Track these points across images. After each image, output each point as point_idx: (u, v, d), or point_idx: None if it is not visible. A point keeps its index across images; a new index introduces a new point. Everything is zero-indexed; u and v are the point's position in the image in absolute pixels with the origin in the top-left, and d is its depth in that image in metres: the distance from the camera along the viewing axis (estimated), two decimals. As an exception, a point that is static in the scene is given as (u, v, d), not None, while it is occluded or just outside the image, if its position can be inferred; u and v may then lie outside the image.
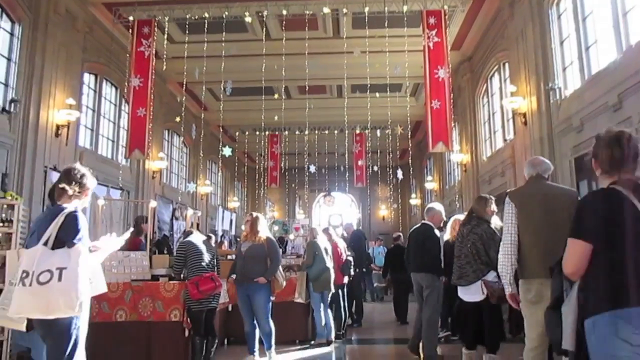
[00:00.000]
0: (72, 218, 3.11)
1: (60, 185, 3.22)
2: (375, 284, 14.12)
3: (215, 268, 5.87)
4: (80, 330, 3.10)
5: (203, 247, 5.80)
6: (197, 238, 5.95)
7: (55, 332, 3.02)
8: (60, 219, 3.07)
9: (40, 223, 3.26)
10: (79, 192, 3.27)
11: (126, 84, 12.66)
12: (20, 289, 2.91)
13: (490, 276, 4.91)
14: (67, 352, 3.02)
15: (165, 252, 9.04)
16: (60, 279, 2.92)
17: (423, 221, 6.79)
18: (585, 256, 2.22)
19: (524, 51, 11.64)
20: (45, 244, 3.03)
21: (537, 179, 4.03)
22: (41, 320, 3.00)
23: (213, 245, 6.82)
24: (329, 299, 7.57)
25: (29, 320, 3.11)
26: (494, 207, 5.28)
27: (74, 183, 3.25)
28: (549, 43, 10.87)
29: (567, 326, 2.33)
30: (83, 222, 3.16)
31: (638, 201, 2.18)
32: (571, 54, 10.29)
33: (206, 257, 5.74)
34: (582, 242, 2.24)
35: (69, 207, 3.19)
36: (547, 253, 3.34)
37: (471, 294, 5.12)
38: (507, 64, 13.55)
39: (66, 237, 3.06)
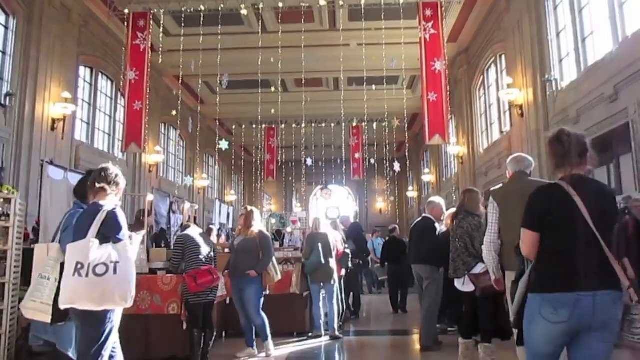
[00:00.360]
0: (113, 215, 3.31)
1: (99, 185, 3.42)
2: (380, 278, 14.04)
3: (213, 261, 5.88)
4: (115, 322, 3.28)
5: (201, 240, 5.81)
6: (194, 231, 5.95)
7: (92, 322, 3.17)
8: (102, 215, 3.27)
9: (77, 219, 3.47)
10: (114, 191, 3.49)
11: (122, 77, 12.61)
12: (76, 279, 3.06)
13: (478, 268, 4.99)
14: (100, 342, 3.16)
15: (163, 245, 9.05)
16: (115, 272, 3.12)
17: (424, 214, 6.87)
18: (533, 243, 2.60)
19: (521, 43, 11.64)
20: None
21: (520, 175, 4.27)
22: (80, 311, 3.13)
23: (215, 238, 6.82)
24: (334, 291, 7.44)
25: (60, 313, 3.28)
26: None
27: (112, 183, 3.47)
28: (545, 35, 10.87)
29: (517, 296, 2.75)
30: (123, 219, 3.37)
31: (578, 195, 2.47)
32: (567, 45, 10.30)
33: (204, 250, 5.74)
34: (529, 231, 2.62)
35: (106, 204, 3.38)
36: None
37: (459, 284, 5.32)
38: (503, 56, 13.54)
39: (110, 233, 3.26)
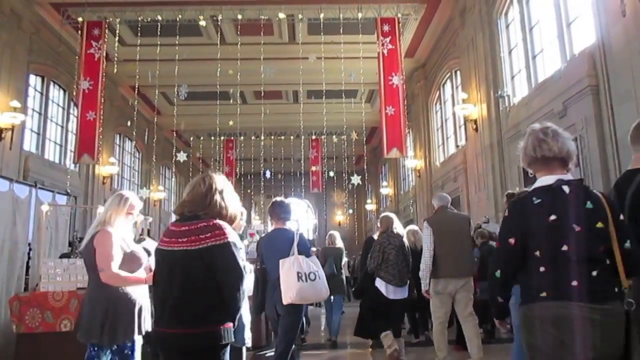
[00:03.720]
0: (303, 237, 4.62)
1: (282, 215, 4.74)
2: None
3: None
4: None
5: (155, 254, 5.66)
6: (149, 244, 5.80)
7: (298, 311, 4.45)
8: (297, 238, 4.46)
9: (274, 241, 4.59)
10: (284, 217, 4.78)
11: (75, 86, 12.28)
12: (301, 284, 4.25)
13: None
14: (299, 322, 4.53)
15: (115, 259, 8.78)
16: (319, 277, 4.35)
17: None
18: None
19: (475, 59, 11.94)
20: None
21: (443, 209, 5.73)
22: (290, 305, 4.29)
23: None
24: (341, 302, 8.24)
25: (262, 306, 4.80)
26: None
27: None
28: (498, 52, 11.19)
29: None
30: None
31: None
32: (519, 62, 10.62)
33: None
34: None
35: (288, 228, 4.66)
36: (454, 260, 5.31)
37: (402, 293, 6.03)
38: (458, 72, 13.86)
39: (304, 249, 4.44)
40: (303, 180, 21.98)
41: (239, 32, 13.02)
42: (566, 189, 2.24)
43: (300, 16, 12.49)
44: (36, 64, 12.90)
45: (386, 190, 23.20)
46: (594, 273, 2.11)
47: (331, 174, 20.73)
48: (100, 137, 12.06)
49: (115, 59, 13.04)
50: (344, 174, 20.91)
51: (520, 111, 10.17)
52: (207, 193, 2.52)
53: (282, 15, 12.23)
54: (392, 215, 6.47)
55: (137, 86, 13.65)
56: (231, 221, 2.55)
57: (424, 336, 7.67)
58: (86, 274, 6.07)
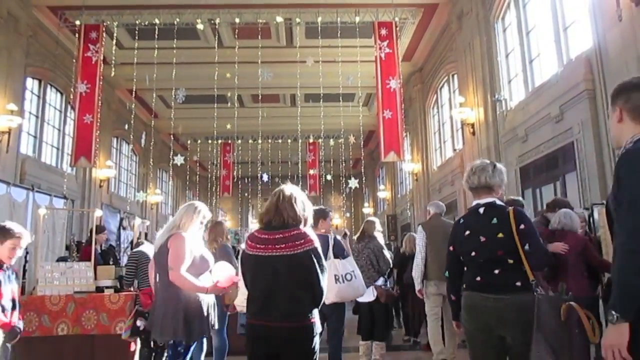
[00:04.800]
0: (338, 240, 4.95)
1: (317, 219, 4.81)
2: None
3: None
4: None
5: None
6: (147, 248, 5.80)
7: (342, 309, 4.99)
8: (331, 242, 4.81)
9: None
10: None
11: (72, 89, 12.25)
12: (339, 285, 4.65)
13: (380, 281, 6.19)
14: (344, 318, 5.05)
15: (111, 262, 8.75)
16: (355, 277, 4.75)
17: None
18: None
19: (472, 63, 11.96)
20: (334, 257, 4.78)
21: (437, 216, 6.25)
22: (339, 303, 4.83)
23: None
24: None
25: None
26: (379, 227, 6.59)
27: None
28: (495, 56, 11.22)
29: None
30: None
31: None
32: (516, 66, 10.65)
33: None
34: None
35: (329, 234, 4.97)
36: (440, 265, 5.33)
37: (365, 296, 6.09)
38: (455, 76, 13.88)
39: (339, 252, 4.85)
40: (300, 183, 21.90)
41: (236, 36, 13.04)
42: (481, 210, 3.07)
43: (297, 20, 12.49)
44: (33, 67, 12.87)
45: (383, 193, 23.20)
46: (496, 271, 2.92)
47: (328, 177, 20.71)
48: (97, 140, 12.03)
49: (113, 62, 13.01)
50: (341, 178, 20.89)
51: (517, 115, 10.19)
52: (290, 203, 2.97)
53: (279, 19, 12.24)
54: (372, 220, 6.62)
55: (134, 89, 13.62)
56: (306, 224, 2.99)
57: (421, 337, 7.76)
58: (83, 277, 6.08)
